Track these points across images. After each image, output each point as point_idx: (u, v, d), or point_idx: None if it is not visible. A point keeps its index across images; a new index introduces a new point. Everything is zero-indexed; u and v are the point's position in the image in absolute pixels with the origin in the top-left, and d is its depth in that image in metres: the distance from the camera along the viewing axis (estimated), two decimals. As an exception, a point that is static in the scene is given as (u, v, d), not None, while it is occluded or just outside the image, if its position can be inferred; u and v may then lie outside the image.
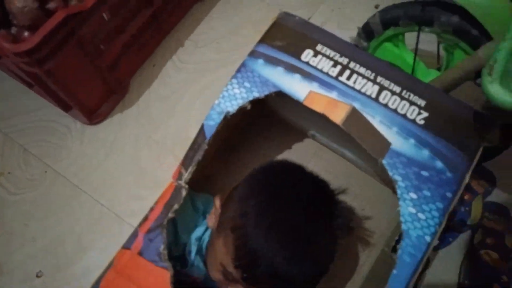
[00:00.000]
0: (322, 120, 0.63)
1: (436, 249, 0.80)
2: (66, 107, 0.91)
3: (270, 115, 0.83)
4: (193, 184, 0.57)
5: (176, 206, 0.54)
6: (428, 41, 0.77)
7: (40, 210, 0.86)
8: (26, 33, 0.78)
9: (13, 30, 0.79)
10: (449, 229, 0.78)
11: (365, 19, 1.06)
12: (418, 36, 0.73)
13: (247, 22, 1.07)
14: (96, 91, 0.88)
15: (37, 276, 0.81)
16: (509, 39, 0.49)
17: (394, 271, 0.50)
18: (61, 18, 0.66)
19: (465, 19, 0.67)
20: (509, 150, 0.72)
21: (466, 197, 0.79)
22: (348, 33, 1.04)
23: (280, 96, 0.64)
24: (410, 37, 0.78)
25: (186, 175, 0.56)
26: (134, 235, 0.53)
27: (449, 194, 0.53)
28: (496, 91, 0.48)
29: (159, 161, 0.91)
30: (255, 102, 0.60)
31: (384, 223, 0.73)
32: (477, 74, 0.66)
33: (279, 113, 0.83)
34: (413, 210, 0.52)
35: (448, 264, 0.76)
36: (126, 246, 0.53)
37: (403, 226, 0.52)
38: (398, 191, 0.53)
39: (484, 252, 0.75)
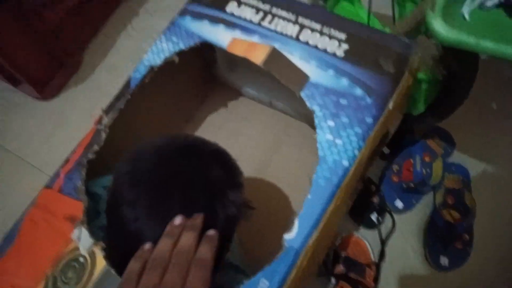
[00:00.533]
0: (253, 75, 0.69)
1: (401, 212, 0.81)
2: (14, 82, 0.87)
3: (205, 76, 0.85)
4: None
5: (96, 147, 0.56)
6: None
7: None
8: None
9: None
10: (412, 191, 0.77)
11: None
12: None
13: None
14: (42, 61, 0.84)
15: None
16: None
17: (309, 196, 0.49)
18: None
19: None
20: (465, 111, 0.72)
21: (426, 158, 0.78)
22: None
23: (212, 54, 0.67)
24: None
25: (107, 120, 0.58)
26: (56, 175, 0.56)
27: (369, 119, 0.53)
28: (438, 26, 0.47)
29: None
30: (181, 54, 0.62)
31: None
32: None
33: (214, 73, 0.86)
34: (330, 137, 0.53)
35: (413, 226, 0.76)
36: (48, 186, 0.56)
37: (320, 153, 0.52)
38: (316, 121, 0.54)
39: (445, 212, 0.75)
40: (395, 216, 0.77)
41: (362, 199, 0.78)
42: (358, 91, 0.54)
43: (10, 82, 0.88)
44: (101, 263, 0.47)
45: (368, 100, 0.54)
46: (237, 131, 0.83)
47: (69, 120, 0.89)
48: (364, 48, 0.58)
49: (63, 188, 0.54)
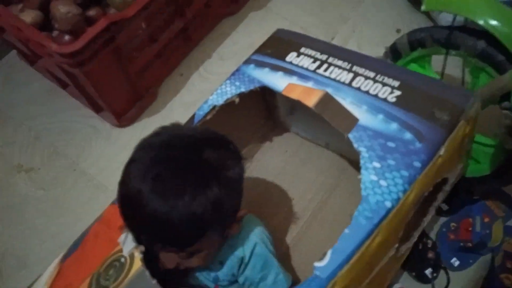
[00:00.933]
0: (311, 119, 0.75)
1: (456, 270, 0.82)
2: (97, 109, 0.96)
3: (265, 119, 0.92)
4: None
5: None
6: (454, 64, 0.79)
7: (62, 207, 0.90)
8: (66, 37, 0.84)
9: (54, 33, 0.85)
10: (469, 250, 0.79)
11: (385, 41, 1.10)
12: (445, 59, 0.75)
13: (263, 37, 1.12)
14: (125, 95, 0.92)
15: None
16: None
17: (346, 230, 0.51)
18: (104, 25, 0.71)
19: (491, 44, 0.68)
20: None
21: (486, 219, 0.80)
22: (367, 53, 1.08)
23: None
24: (436, 60, 0.81)
25: None
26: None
27: (417, 164, 0.55)
28: None
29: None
30: (242, 96, 0.70)
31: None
32: (502, 97, 0.69)
33: (275, 116, 0.92)
34: (374, 178, 0.54)
35: (468, 286, 0.77)
36: (114, 202, 0.63)
37: (363, 193, 0.54)
38: (362, 161, 0.56)
39: (504, 276, 0.76)
40: (450, 274, 0.78)
41: (418, 253, 0.80)
42: (408, 136, 0.57)
43: (93, 109, 0.96)
44: (137, 264, 0.52)
45: (418, 144, 0.56)
46: (295, 173, 0.87)
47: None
48: (416, 95, 0.61)
49: None
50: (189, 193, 0.48)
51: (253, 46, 1.11)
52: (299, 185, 0.84)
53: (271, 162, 0.88)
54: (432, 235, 0.84)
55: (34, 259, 0.84)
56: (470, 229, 0.80)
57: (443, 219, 0.85)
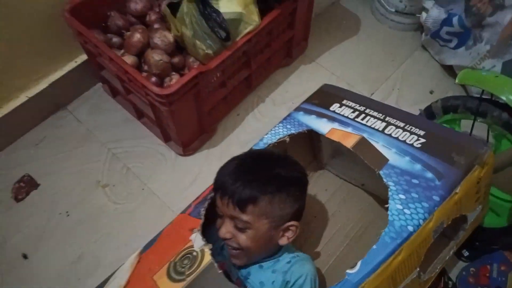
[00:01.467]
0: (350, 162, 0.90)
1: None
2: (166, 139, 1.12)
3: (310, 160, 1.07)
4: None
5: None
6: (481, 128, 0.92)
7: (134, 220, 1.05)
8: (153, 79, 1.01)
9: (143, 74, 1.03)
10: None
11: (419, 100, 1.25)
12: (473, 124, 0.89)
13: (313, 88, 1.27)
14: (193, 129, 1.09)
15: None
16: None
17: (374, 247, 0.63)
18: (194, 74, 0.88)
19: None
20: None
21: (503, 268, 0.90)
22: (404, 109, 1.22)
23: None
24: (464, 123, 0.94)
25: None
26: (189, 206, 0.80)
27: (436, 198, 0.67)
28: None
29: (234, 193, 1.08)
30: (292, 140, 0.86)
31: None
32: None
33: (319, 158, 1.06)
34: (400, 207, 0.67)
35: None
36: (183, 212, 0.80)
37: (389, 218, 0.66)
38: (389, 193, 0.69)
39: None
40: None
41: (440, 292, 0.90)
42: (429, 175, 0.70)
43: (163, 138, 1.13)
44: (207, 257, 0.66)
45: (437, 182, 0.68)
46: (334, 210, 1.00)
47: (201, 175, 1.12)
48: (438, 142, 0.74)
49: (191, 213, 0.77)
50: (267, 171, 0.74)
51: (302, 95, 1.28)
52: (338, 221, 0.97)
53: (313, 199, 1.01)
54: (453, 276, 0.94)
55: (108, 261, 0.98)
56: (487, 275, 0.90)
57: (464, 264, 0.96)
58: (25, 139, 1.16)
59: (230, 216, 0.71)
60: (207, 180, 1.11)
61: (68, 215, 1.05)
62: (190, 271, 0.66)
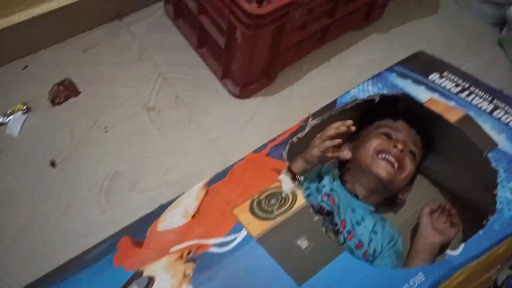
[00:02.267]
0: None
1: None
2: (224, 75, 1.03)
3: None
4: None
5: (300, 135, 0.76)
6: None
7: (177, 149, 0.96)
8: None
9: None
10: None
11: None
12: None
13: (388, 60, 1.17)
14: (259, 69, 1.00)
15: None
16: None
17: (480, 232, 0.60)
18: (289, 0, 0.79)
19: None
20: None
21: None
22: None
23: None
24: None
25: (312, 121, 0.79)
26: (263, 146, 0.76)
27: None
28: None
29: (286, 146, 1.00)
30: (382, 98, 0.80)
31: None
32: None
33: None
34: (510, 196, 0.63)
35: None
36: (256, 151, 0.76)
37: (498, 206, 0.62)
38: (498, 179, 0.65)
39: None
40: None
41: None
42: None
43: (221, 74, 1.04)
44: (301, 200, 0.63)
45: None
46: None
47: (254, 120, 1.03)
48: None
49: (270, 153, 0.74)
50: None
51: (370, 63, 1.19)
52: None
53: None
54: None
55: (143, 185, 0.90)
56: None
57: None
58: (74, 41, 1.06)
59: (405, 140, 0.78)
60: (258, 126, 1.04)
61: (107, 131, 0.96)
62: (280, 211, 0.61)
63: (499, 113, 0.74)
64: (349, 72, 1.15)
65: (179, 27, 1.11)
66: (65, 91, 1.00)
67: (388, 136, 0.80)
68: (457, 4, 1.35)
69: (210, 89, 1.06)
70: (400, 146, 0.75)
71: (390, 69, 0.84)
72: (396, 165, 0.75)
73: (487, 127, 0.72)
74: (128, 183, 0.91)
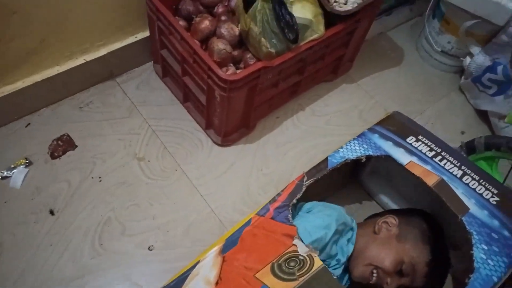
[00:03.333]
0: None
1: None
2: (207, 125, 1.15)
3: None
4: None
5: (298, 195, 0.81)
6: None
7: (164, 196, 1.07)
8: (211, 66, 1.04)
9: (203, 60, 1.06)
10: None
11: (450, 138, 1.31)
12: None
13: (355, 109, 1.32)
14: (236, 121, 1.12)
15: (149, 249, 0.98)
16: None
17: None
18: (259, 67, 0.92)
19: None
20: None
21: None
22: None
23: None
24: (503, 164, 0.98)
25: (308, 180, 0.83)
26: (265, 209, 0.80)
27: None
28: None
29: (264, 190, 1.11)
30: (367, 158, 0.88)
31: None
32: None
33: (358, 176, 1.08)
34: (483, 256, 0.72)
35: None
36: (260, 214, 0.80)
37: (475, 265, 0.71)
38: (473, 241, 0.74)
39: None
40: None
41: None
42: (506, 233, 0.75)
43: (204, 125, 1.16)
44: (318, 262, 0.71)
45: None
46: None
47: (235, 166, 1.14)
48: (511, 206, 0.79)
49: (275, 217, 0.78)
50: None
51: (341, 111, 1.32)
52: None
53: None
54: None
55: (133, 231, 1.00)
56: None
57: None
58: (72, 100, 1.18)
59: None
60: (239, 172, 1.15)
61: (101, 180, 1.07)
62: (301, 272, 0.70)
63: (467, 179, 0.83)
64: (321, 120, 1.27)
65: (166, 84, 1.24)
66: (63, 145, 1.11)
67: (403, 273, 0.82)
68: (420, 57, 1.49)
69: (194, 139, 1.18)
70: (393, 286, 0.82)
71: (372, 130, 0.93)
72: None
73: (459, 192, 0.81)
74: (119, 228, 1.00)
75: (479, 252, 0.73)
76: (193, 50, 0.93)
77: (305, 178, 0.83)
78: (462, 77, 1.39)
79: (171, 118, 1.20)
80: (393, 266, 0.80)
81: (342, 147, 0.89)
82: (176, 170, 1.12)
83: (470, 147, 1.01)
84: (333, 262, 0.84)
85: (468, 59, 1.33)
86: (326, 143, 1.22)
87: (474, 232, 0.75)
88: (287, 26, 0.95)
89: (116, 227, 1.00)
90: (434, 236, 0.84)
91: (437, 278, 0.83)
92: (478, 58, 1.28)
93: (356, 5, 1.03)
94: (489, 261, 0.72)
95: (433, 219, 0.88)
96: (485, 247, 0.73)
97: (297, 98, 1.30)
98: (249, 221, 0.79)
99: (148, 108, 1.21)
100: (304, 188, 0.82)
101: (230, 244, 0.76)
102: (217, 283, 0.71)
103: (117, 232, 1.00)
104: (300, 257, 0.71)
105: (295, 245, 0.73)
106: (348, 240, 0.86)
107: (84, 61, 1.12)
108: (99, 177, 1.07)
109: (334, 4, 1.06)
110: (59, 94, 1.16)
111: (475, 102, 1.36)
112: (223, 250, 0.76)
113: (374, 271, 0.81)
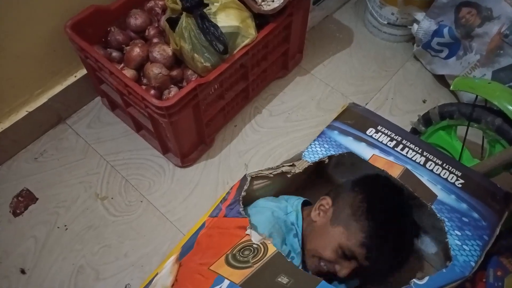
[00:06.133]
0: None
1: None
2: (165, 150, 1.13)
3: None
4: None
5: (245, 187, 0.81)
6: (476, 134, 0.95)
7: (133, 231, 1.05)
8: (152, 91, 1.03)
9: (143, 87, 1.05)
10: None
11: (412, 109, 1.28)
12: (467, 130, 0.91)
13: (313, 100, 1.30)
14: (192, 140, 1.10)
15: (125, 288, 0.97)
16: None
17: (444, 270, 0.69)
18: (193, 86, 0.90)
19: (507, 121, 0.84)
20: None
21: (499, 273, 0.91)
22: (397, 118, 1.25)
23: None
24: (461, 129, 0.97)
25: (252, 173, 0.83)
26: (218, 209, 0.80)
27: (485, 237, 0.72)
28: None
29: (233, 203, 1.09)
30: (330, 158, 0.85)
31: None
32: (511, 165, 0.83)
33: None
34: (458, 242, 0.71)
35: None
36: (213, 215, 0.79)
37: (452, 252, 0.70)
38: (446, 228, 0.73)
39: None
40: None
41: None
42: (475, 215, 0.74)
43: (161, 150, 1.14)
44: (272, 248, 0.70)
45: (484, 223, 0.73)
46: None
47: (200, 185, 1.12)
48: (475, 186, 0.78)
49: (227, 214, 0.77)
50: None
51: (298, 106, 1.30)
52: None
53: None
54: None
55: (108, 273, 0.98)
56: (484, 280, 0.91)
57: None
58: (25, 153, 1.16)
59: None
60: (205, 190, 1.13)
61: (67, 228, 1.05)
62: (256, 259, 0.69)
63: (430, 165, 0.81)
64: (280, 119, 1.25)
65: (118, 116, 1.22)
66: (24, 201, 1.09)
67: (346, 255, 0.77)
68: (370, 32, 1.47)
69: (155, 166, 1.16)
70: (342, 274, 0.77)
71: (331, 127, 0.90)
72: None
73: (424, 179, 0.78)
74: (93, 274, 0.99)
75: (453, 239, 0.71)
76: (124, 83, 0.90)
77: (247, 169, 0.83)
78: (414, 45, 1.37)
79: (129, 149, 1.18)
80: (332, 254, 0.76)
81: (304, 152, 0.86)
82: (141, 201, 1.10)
83: (426, 119, 0.99)
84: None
85: (415, 26, 1.30)
86: (289, 141, 1.21)
87: (446, 219, 0.73)
88: (215, 38, 0.93)
89: (90, 273, 0.99)
90: (373, 207, 0.76)
91: (390, 253, 0.75)
92: (424, 24, 1.26)
93: (282, 0, 1.01)
94: (464, 246, 0.71)
95: (385, 182, 0.82)
96: (459, 233, 0.72)
97: (253, 102, 1.28)
98: (203, 224, 0.78)
99: (104, 144, 1.19)
100: (249, 178, 0.82)
101: (186, 250, 0.76)
102: (173, 285, 0.71)
103: (91, 278, 0.98)
104: (254, 245, 0.70)
105: (249, 235, 0.72)
106: (295, 236, 0.82)
107: (27, 113, 1.10)
108: (65, 226, 1.05)
109: (262, 3, 1.04)
110: (11, 150, 1.14)
111: (431, 68, 1.34)
112: (180, 257, 0.76)
113: (322, 262, 0.78)
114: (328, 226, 0.78)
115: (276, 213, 0.81)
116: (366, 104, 1.29)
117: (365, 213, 0.75)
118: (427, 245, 0.97)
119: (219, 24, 0.93)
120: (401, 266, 0.80)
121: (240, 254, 0.70)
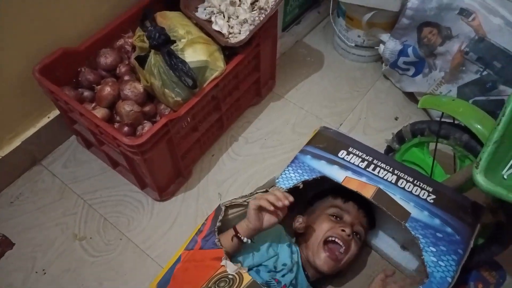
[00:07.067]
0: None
1: None
2: (142, 185, 1.13)
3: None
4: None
5: (220, 217, 0.81)
6: (450, 150, 0.96)
7: (113, 271, 1.03)
8: (126, 128, 1.03)
9: (116, 125, 1.05)
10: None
11: (385, 127, 1.31)
12: (436, 146, 0.94)
13: (287, 125, 1.32)
14: (169, 174, 1.10)
15: (107, 330, 0.95)
16: (489, 145, 0.67)
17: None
18: (164, 122, 0.91)
19: (474, 138, 0.86)
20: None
21: (480, 286, 0.92)
22: (371, 137, 1.27)
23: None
24: (433, 146, 0.97)
25: (226, 202, 0.84)
26: (193, 241, 0.80)
27: (460, 251, 0.73)
28: (480, 179, 0.65)
29: (213, 234, 1.08)
30: (305, 183, 0.86)
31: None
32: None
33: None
34: (434, 259, 0.72)
35: None
36: (188, 248, 0.79)
37: (428, 269, 0.71)
38: (421, 245, 0.74)
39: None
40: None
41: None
42: (449, 230, 0.75)
43: (139, 185, 1.14)
44: (247, 278, 0.71)
45: (457, 237, 0.74)
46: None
47: (180, 218, 1.12)
48: (447, 200, 0.80)
49: (203, 246, 0.77)
50: None
51: (273, 131, 1.31)
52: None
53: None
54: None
55: (88, 318, 0.96)
56: (466, 293, 0.92)
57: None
58: (1, 197, 1.14)
59: (353, 223, 0.87)
60: (185, 223, 1.13)
61: (45, 273, 1.03)
62: None
63: (402, 183, 0.83)
64: (256, 146, 1.26)
65: (94, 153, 1.21)
66: (0, 247, 1.07)
67: (339, 218, 0.88)
68: (339, 54, 1.51)
69: (134, 202, 1.15)
70: (348, 231, 0.83)
71: (303, 152, 0.92)
72: (343, 248, 0.83)
73: (397, 198, 0.80)
74: (74, 319, 0.97)
75: (429, 256, 0.72)
76: (94, 123, 0.91)
77: (220, 198, 0.84)
78: (383, 64, 1.41)
79: (106, 187, 1.17)
80: (330, 223, 0.87)
81: (278, 178, 0.87)
82: (120, 239, 1.08)
83: (400, 137, 1.02)
84: (282, 272, 0.83)
85: (382, 47, 1.34)
86: (265, 168, 1.22)
87: (420, 236, 0.74)
88: (183, 73, 0.94)
89: (70, 319, 0.97)
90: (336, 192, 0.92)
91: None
92: (389, 44, 1.30)
93: (248, 32, 1.03)
94: (440, 262, 0.71)
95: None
96: (433, 249, 0.73)
97: (228, 130, 1.29)
98: (179, 258, 0.78)
99: (80, 183, 1.18)
100: (223, 208, 0.82)
101: (163, 285, 0.75)
102: None
103: (72, 324, 0.96)
104: (230, 276, 0.71)
105: (224, 266, 0.73)
106: (289, 246, 0.87)
107: (0, 157, 1.09)
108: (43, 270, 1.03)
109: (230, 36, 1.06)
110: (-16, 197, 1.12)
111: (400, 86, 1.38)
112: None
113: (334, 235, 0.85)
114: (310, 227, 0.88)
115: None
116: (340, 125, 1.31)
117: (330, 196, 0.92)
118: (408, 262, 0.98)
119: (187, 60, 0.95)
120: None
121: (216, 286, 0.71)
